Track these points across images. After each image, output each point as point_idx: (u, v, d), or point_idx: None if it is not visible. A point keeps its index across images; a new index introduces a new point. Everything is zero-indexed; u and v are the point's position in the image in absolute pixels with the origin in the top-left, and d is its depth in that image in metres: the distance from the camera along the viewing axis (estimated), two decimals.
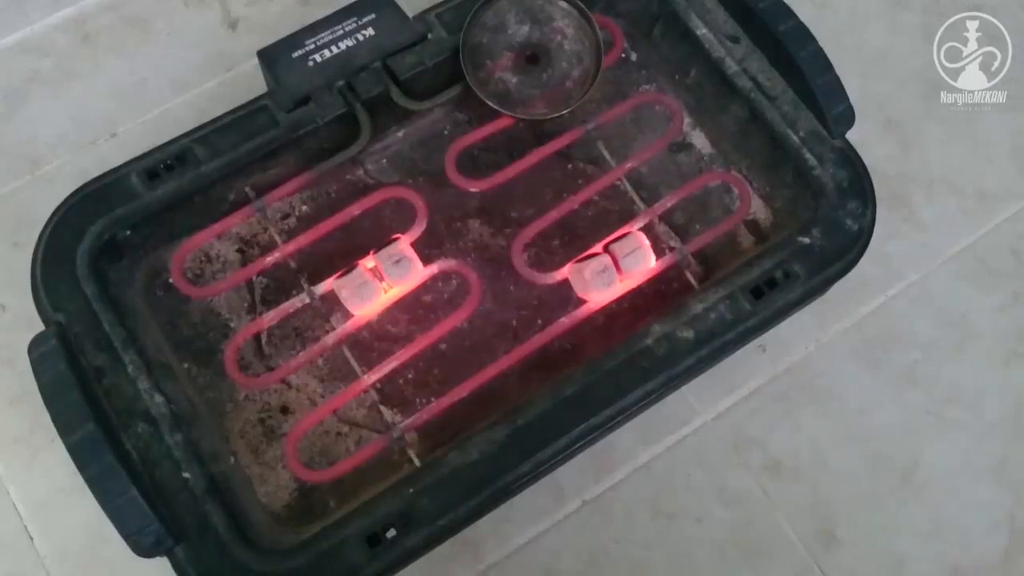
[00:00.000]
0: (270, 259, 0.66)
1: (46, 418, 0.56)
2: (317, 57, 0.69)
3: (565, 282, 0.68)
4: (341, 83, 0.69)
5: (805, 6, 0.71)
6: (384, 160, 0.75)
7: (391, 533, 0.58)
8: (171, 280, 0.67)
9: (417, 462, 0.62)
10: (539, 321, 0.71)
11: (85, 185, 0.66)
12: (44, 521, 0.67)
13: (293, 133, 0.68)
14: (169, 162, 0.66)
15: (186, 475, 0.58)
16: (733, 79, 0.72)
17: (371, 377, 0.64)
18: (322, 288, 0.65)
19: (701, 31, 0.73)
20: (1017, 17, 0.88)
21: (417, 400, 0.68)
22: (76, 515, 0.67)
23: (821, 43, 0.69)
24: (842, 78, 0.69)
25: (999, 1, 0.89)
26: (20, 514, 0.68)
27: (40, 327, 0.62)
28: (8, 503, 0.68)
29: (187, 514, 0.57)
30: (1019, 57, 0.87)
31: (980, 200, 0.82)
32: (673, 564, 0.69)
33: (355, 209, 0.68)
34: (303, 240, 0.67)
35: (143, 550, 0.55)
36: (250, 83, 0.76)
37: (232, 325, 0.70)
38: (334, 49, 0.69)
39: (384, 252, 0.65)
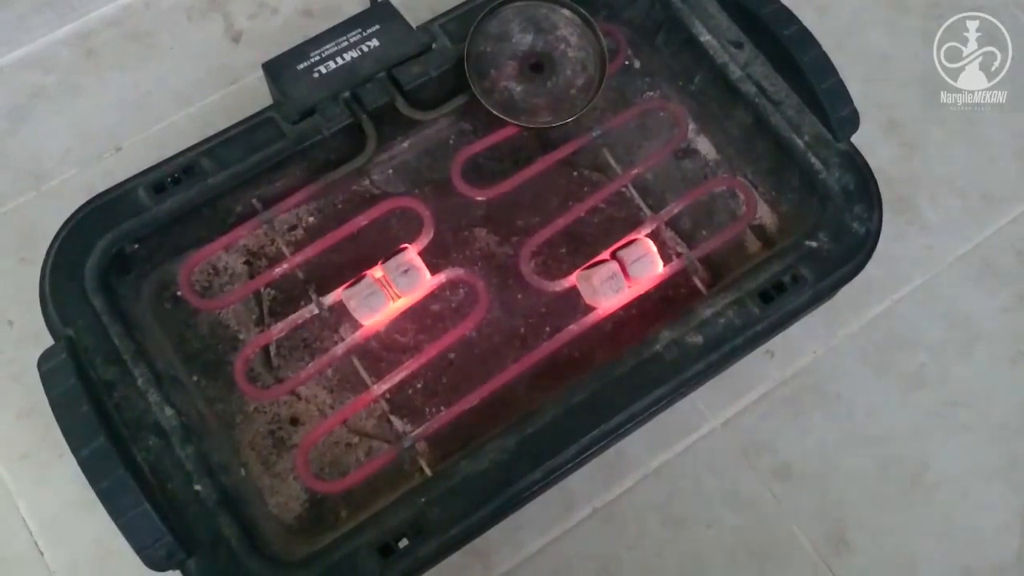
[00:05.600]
0: (278, 271, 0.66)
1: (55, 433, 0.56)
2: (322, 69, 0.69)
3: (573, 289, 0.68)
4: (347, 94, 0.69)
5: (806, 11, 0.72)
6: (390, 170, 0.76)
7: (403, 543, 0.58)
8: (179, 293, 0.67)
9: (428, 471, 0.62)
10: (547, 329, 0.71)
11: (92, 199, 0.66)
12: (54, 536, 0.67)
13: (299, 145, 0.68)
14: (176, 175, 0.67)
15: (197, 487, 0.58)
16: (737, 85, 0.72)
17: (380, 387, 0.64)
18: (330, 299, 0.66)
19: (704, 37, 0.74)
20: (1017, 17, 0.89)
21: (427, 409, 0.68)
22: (86, 529, 0.67)
23: (823, 48, 0.70)
24: (845, 82, 0.70)
25: (999, 1, 0.90)
26: (30, 529, 0.67)
27: (48, 342, 0.62)
28: (18, 518, 0.68)
29: (199, 527, 0.57)
30: (1019, 57, 0.87)
31: (984, 202, 0.83)
32: (685, 570, 0.69)
33: (362, 219, 0.68)
34: (310, 251, 0.67)
35: (155, 563, 0.55)
36: (254, 96, 0.76)
37: (241, 337, 0.70)
38: (339, 60, 0.70)
39: (392, 262, 0.65)
